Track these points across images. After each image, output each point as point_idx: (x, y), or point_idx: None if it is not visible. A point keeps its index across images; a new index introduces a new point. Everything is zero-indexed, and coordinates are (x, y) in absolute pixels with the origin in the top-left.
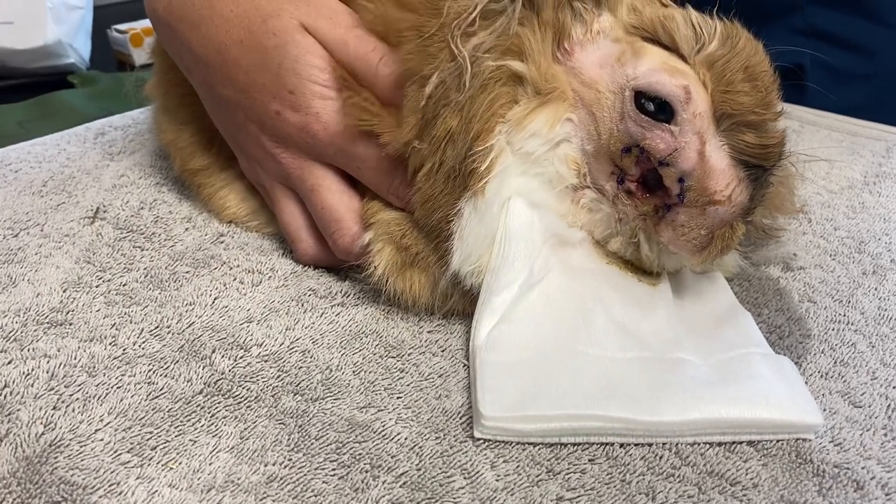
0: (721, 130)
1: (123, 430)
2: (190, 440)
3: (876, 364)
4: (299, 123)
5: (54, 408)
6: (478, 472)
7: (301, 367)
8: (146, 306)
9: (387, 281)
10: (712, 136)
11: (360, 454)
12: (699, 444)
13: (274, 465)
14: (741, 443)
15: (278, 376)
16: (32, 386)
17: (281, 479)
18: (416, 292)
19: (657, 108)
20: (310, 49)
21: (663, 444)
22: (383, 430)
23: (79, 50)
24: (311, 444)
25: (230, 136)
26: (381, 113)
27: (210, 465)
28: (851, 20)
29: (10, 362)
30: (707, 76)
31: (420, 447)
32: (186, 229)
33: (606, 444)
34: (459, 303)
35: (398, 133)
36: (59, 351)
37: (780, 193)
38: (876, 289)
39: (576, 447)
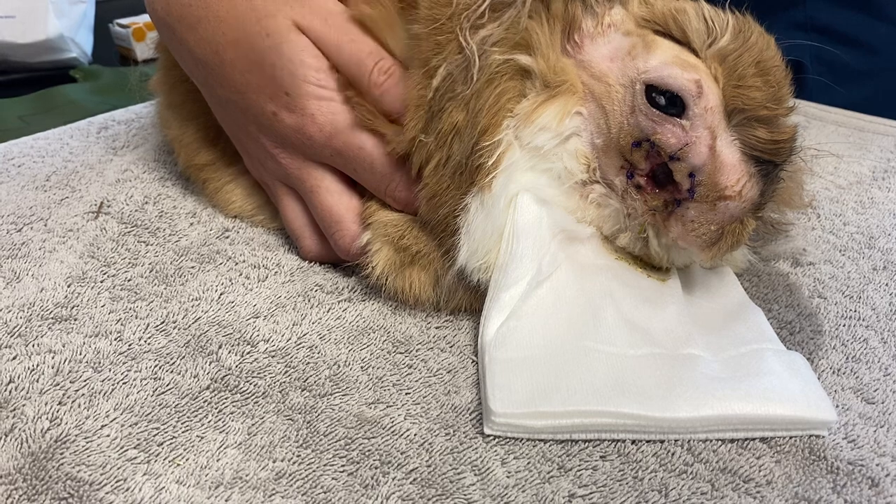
0: (732, 125)
1: (130, 425)
2: (197, 436)
3: (888, 360)
4: (295, 125)
5: (60, 403)
6: (488, 468)
7: (308, 363)
8: (151, 301)
9: (386, 280)
10: (723, 130)
11: (369, 450)
12: (712, 441)
13: (282, 461)
14: (754, 439)
15: (286, 372)
16: (38, 381)
17: (290, 475)
18: (417, 291)
19: (668, 102)
20: (304, 49)
21: (675, 440)
22: (392, 427)
23: (81, 44)
24: (320, 440)
25: (233, 135)
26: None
27: (218, 461)
28: (853, 16)
29: (14, 358)
30: (719, 70)
31: (430, 443)
32: (191, 224)
33: (618, 440)
34: (466, 299)
35: (401, 130)
36: (64, 346)
37: (788, 188)
38: (887, 284)
39: (587, 444)
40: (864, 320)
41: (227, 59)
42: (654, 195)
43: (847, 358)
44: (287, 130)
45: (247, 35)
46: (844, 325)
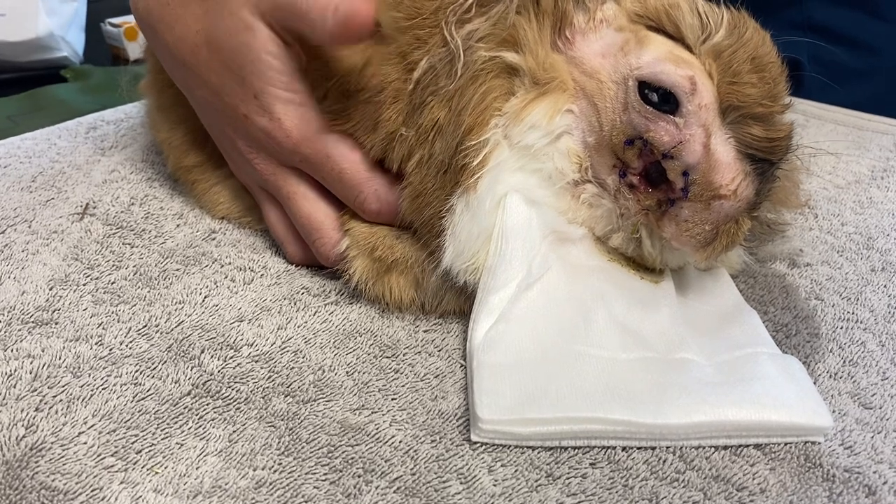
0: (727, 123)
1: (108, 432)
2: (177, 443)
3: (886, 364)
4: (265, 128)
5: (37, 409)
6: (475, 476)
7: (293, 368)
8: (134, 305)
9: (365, 287)
10: (718, 128)
11: (352, 458)
12: (704, 448)
13: (263, 469)
14: (748, 446)
15: (269, 377)
16: (15, 387)
17: (270, 484)
18: (397, 296)
19: (661, 98)
20: (265, 47)
21: (667, 447)
22: (377, 433)
23: (72, 43)
24: (302, 447)
25: (214, 137)
26: (355, 112)
27: (197, 469)
28: (851, 15)
29: None
30: (713, 67)
31: (415, 451)
32: (178, 226)
33: (608, 447)
34: (454, 302)
35: (373, 136)
36: (43, 351)
37: (785, 187)
38: (885, 286)
39: (576, 451)
40: (861, 323)
41: (202, 60)
42: (648, 194)
43: (844, 361)
44: (259, 134)
45: (217, 33)
46: (842, 328)
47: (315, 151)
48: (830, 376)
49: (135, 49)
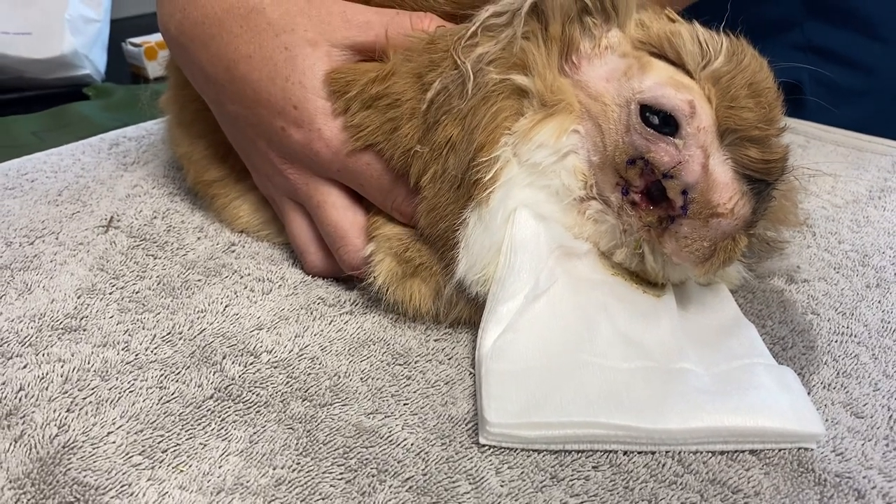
0: (725, 145)
1: (135, 433)
2: (200, 443)
3: (878, 376)
4: (303, 140)
5: (68, 410)
6: (483, 477)
7: (310, 374)
8: (158, 313)
9: (387, 291)
10: (716, 150)
11: (367, 459)
12: (702, 453)
13: (282, 468)
14: (743, 452)
15: (287, 382)
16: (47, 389)
17: (289, 482)
18: (417, 302)
19: (662, 121)
20: (318, 61)
21: (666, 452)
22: (390, 436)
23: (95, 61)
24: (319, 448)
25: (241, 151)
26: (382, 126)
27: (219, 467)
28: (850, 37)
29: (25, 366)
30: (712, 91)
31: (426, 453)
32: (198, 238)
33: (610, 451)
34: (466, 311)
35: (397, 141)
36: (73, 356)
37: (783, 206)
38: (879, 301)
39: (580, 454)
40: (855, 336)
41: (238, 75)
42: (649, 211)
43: (838, 373)
44: (295, 146)
45: (262, 49)
46: (836, 341)
47: (354, 159)
48: (824, 387)
49: (154, 68)
